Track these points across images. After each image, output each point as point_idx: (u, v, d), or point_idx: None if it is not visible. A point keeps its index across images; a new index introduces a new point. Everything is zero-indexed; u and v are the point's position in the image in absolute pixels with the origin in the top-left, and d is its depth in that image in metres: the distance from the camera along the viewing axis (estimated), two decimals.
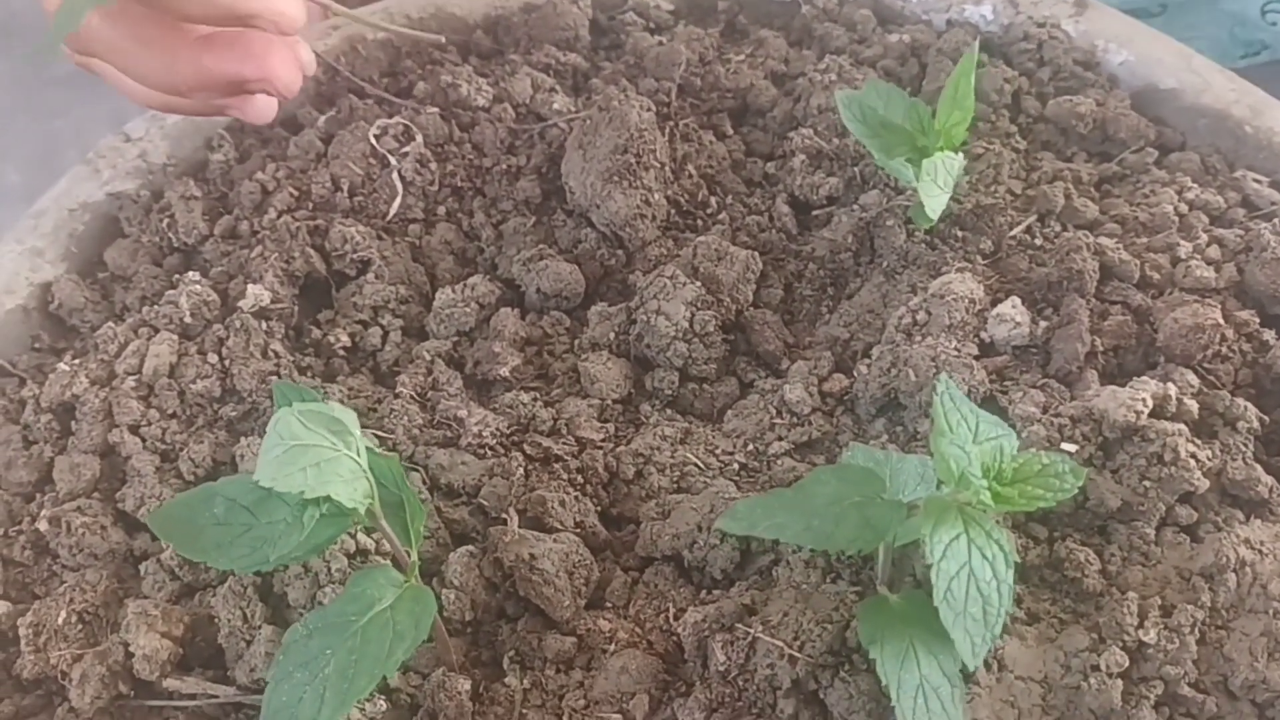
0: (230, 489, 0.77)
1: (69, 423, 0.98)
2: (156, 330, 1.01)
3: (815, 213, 1.12)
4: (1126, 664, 0.77)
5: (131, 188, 1.17)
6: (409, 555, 0.78)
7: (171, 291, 1.03)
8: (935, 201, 0.97)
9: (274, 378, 0.98)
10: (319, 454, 0.70)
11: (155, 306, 1.02)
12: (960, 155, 0.99)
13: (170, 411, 0.97)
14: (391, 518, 0.77)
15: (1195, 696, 0.77)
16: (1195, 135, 1.13)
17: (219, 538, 0.76)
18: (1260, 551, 0.80)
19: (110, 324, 1.03)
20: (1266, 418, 0.89)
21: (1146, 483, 0.83)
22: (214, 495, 0.77)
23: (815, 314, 1.06)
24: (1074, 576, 0.82)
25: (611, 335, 1.03)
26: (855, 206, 1.09)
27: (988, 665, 0.78)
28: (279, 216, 1.11)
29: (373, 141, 1.15)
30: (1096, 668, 0.77)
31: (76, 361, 1.01)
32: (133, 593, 0.89)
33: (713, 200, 1.14)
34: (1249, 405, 0.88)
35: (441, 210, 1.14)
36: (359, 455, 0.72)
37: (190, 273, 1.05)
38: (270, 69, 0.94)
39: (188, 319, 1.01)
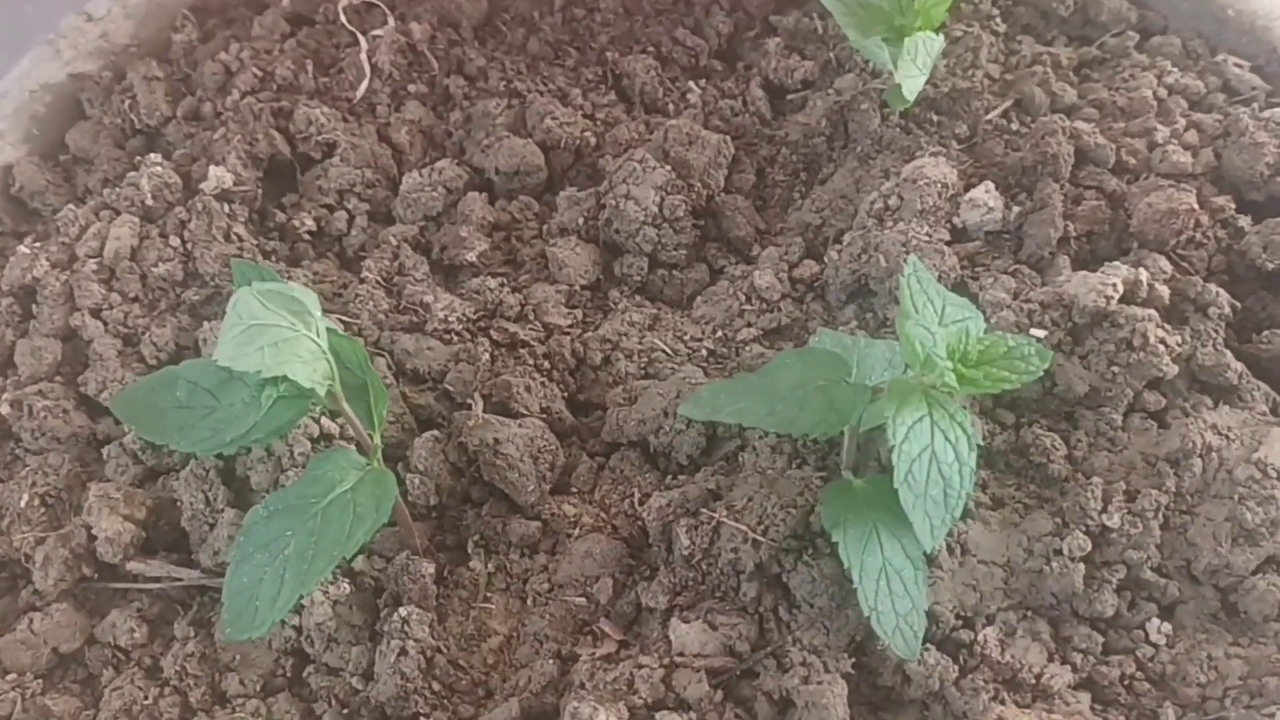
0: (192, 372, 0.76)
1: (30, 306, 0.97)
2: (118, 213, 0.99)
3: (790, 97, 1.10)
4: (1089, 548, 0.77)
5: (93, 68, 1.14)
6: (372, 438, 0.77)
7: (133, 174, 1.01)
8: (912, 83, 0.95)
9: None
10: (277, 334, 0.69)
11: (117, 189, 1.00)
12: (940, 36, 0.97)
13: (132, 295, 0.96)
14: (354, 401, 0.76)
15: (1158, 580, 0.78)
16: (1177, 18, 1.11)
17: (181, 420, 0.75)
18: (1227, 437, 0.80)
19: (71, 206, 1.01)
20: (1239, 304, 0.88)
21: (1115, 368, 0.83)
22: (176, 378, 0.76)
23: (787, 199, 1.05)
24: (1040, 462, 0.82)
25: (580, 220, 1.01)
26: (830, 90, 1.07)
27: (950, 549, 0.78)
28: (242, 98, 1.08)
29: (343, 18, 1.12)
30: (1059, 552, 0.77)
31: (37, 244, 0.99)
32: (95, 476, 0.89)
33: (689, 83, 1.12)
34: (1221, 291, 0.87)
35: (411, 89, 1.12)
36: (319, 336, 0.71)
37: (152, 154, 1.03)
38: None
39: (149, 201, 0.99)
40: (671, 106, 1.11)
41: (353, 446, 0.82)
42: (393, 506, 0.75)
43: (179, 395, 0.76)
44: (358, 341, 0.80)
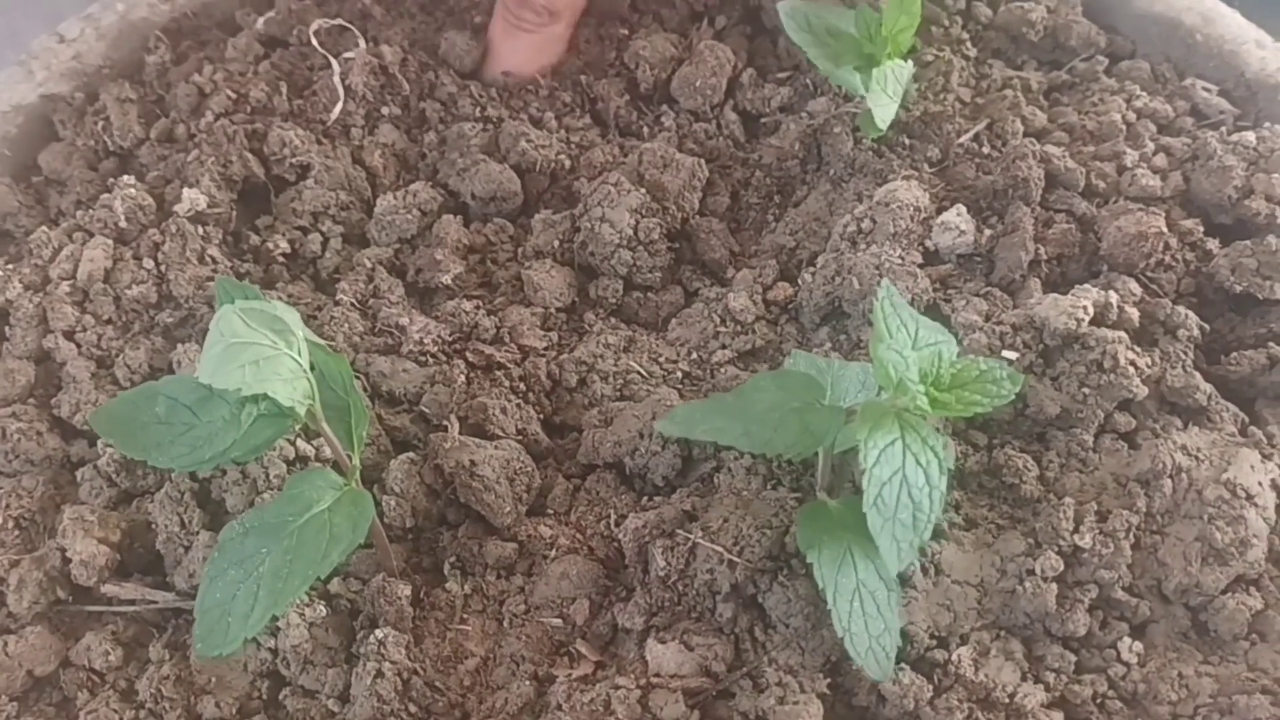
0: (173, 388, 0.76)
1: (2, 328, 0.97)
2: (91, 235, 0.99)
3: (763, 120, 1.11)
4: (1061, 568, 0.78)
5: (66, 90, 1.14)
6: (351, 459, 0.77)
7: (106, 195, 1.01)
8: (885, 111, 0.96)
9: (211, 284, 0.96)
10: (258, 352, 0.69)
11: (90, 211, 1.00)
12: (909, 63, 0.98)
13: (106, 317, 0.96)
14: (335, 421, 0.76)
15: (1129, 600, 0.78)
16: (1146, 43, 1.12)
17: (160, 436, 0.75)
18: (1196, 458, 0.81)
19: (44, 228, 1.01)
20: (1207, 326, 0.89)
21: (1086, 390, 0.83)
22: (156, 394, 0.76)
23: (761, 222, 1.06)
24: (1012, 483, 0.82)
25: (556, 243, 1.02)
26: (803, 114, 1.08)
27: (924, 570, 0.78)
28: (216, 120, 1.08)
29: (314, 41, 1.12)
30: (1032, 572, 0.77)
31: (10, 266, 0.99)
32: (69, 499, 0.89)
33: (661, 105, 1.13)
34: (1190, 314, 0.88)
35: (385, 112, 1.12)
36: (300, 355, 0.71)
37: (125, 176, 1.03)
38: None
39: (123, 223, 0.99)
40: (646, 130, 1.11)
41: (330, 468, 0.82)
42: (369, 527, 0.76)
43: (159, 411, 0.76)
44: (343, 359, 0.80)
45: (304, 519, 0.74)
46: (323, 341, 0.92)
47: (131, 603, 0.85)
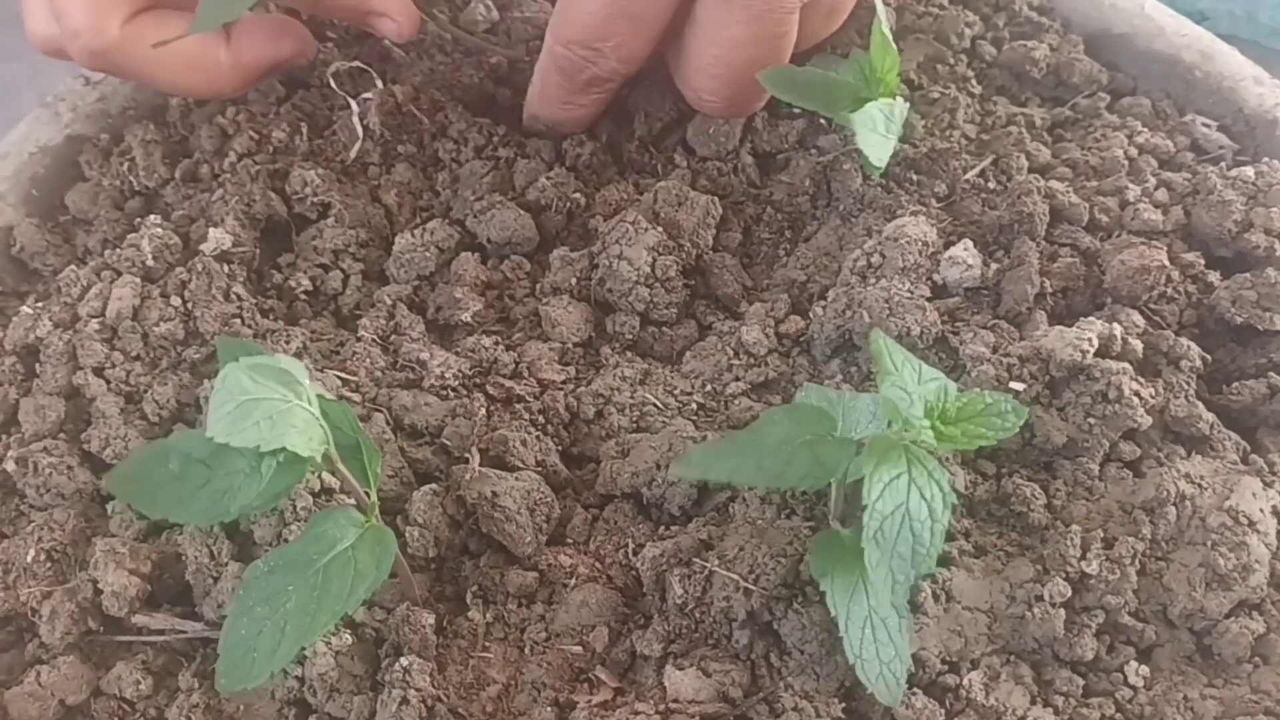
0: (184, 444, 0.78)
1: (33, 365, 0.99)
2: (119, 273, 1.01)
3: (778, 156, 1.13)
4: (1069, 594, 0.79)
5: (92, 131, 1.17)
6: (369, 496, 0.79)
7: (133, 235, 1.03)
8: (877, 150, 0.97)
9: (236, 320, 0.98)
10: (271, 407, 0.71)
11: (117, 250, 1.02)
12: (901, 100, 1.00)
13: (134, 354, 0.98)
14: (349, 461, 0.78)
15: (1135, 625, 0.80)
16: (1147, 80, 1.15)
17: (177, 493, 0.77)
18: (1200, 486, 0.83)
19: (72, 267, 1.03)
20: (1209, 357, 0.91)
21: (1091, 420, 0.85)
22: (168, 451, 0.78)
23: (773, 257, 1.08)
24: (1020, 511, 0.84)
25: (573, 280, 1.04)
26: (813, 150, 1.10)
27: (935, 596, 0.80)
28: (239, 160, 1.11)
29: (331, 83, 1.15)
30: (1040, 598, 0.79)
31: (39, 304, 1.01)
32: (100, 531, 0.91)
33: (675, 147, 1.15)
34: (1192, 345, 0.90)
35: (400, 150, 1.14)
36: (310, 404, 0.73)
37: (151, 216, 1.06)
38: None
39: (150, 262, 1.01)
40: (660, 168, 1.13)
41: (353, 501, 0.84)
42: (393, 561, 0.77)
43: (172, 468, 0.77)
44: (345, 405, 0.83)
45: (328, 557, 0.76)
46: (336, 380, 0.94)
47: (161, 633, 0.86)
